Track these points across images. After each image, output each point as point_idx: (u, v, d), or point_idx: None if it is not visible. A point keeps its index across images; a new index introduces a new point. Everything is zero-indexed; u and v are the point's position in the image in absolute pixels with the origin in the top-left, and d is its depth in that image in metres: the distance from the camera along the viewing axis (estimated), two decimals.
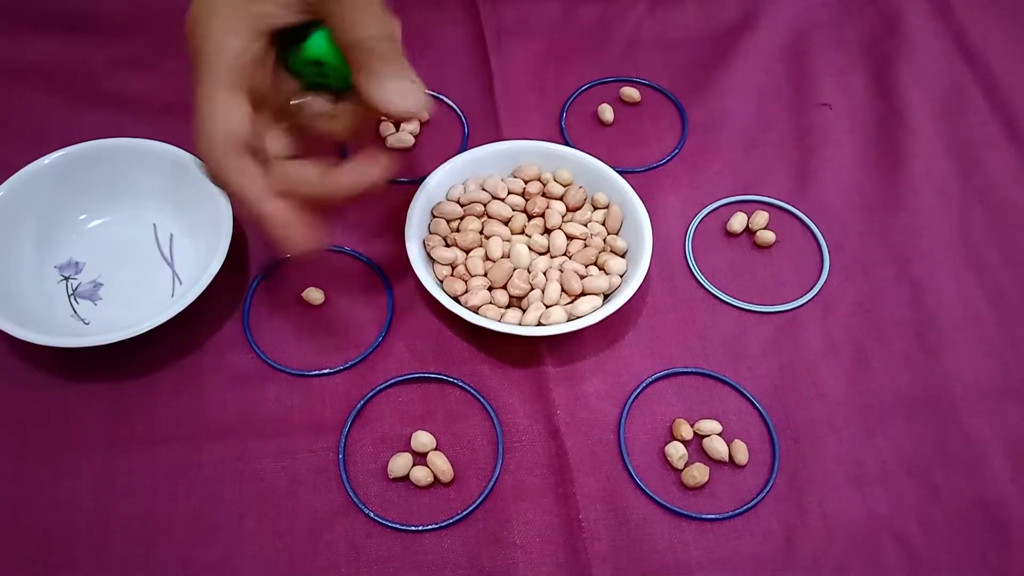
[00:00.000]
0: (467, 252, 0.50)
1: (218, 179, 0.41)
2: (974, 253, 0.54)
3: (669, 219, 0.55)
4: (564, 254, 0.51)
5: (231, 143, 0.40)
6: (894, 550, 0.44)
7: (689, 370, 0.49)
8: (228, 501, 0.45)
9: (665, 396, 0.49)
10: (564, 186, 0.53)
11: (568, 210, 0.52)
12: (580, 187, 0.52)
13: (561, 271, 0.49)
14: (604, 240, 0.51)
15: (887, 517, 0.45)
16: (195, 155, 0.41)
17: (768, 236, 0.54)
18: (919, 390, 0.49)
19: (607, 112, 0.59)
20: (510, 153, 0.54)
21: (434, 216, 0.52)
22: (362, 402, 0.48)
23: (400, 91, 0.40)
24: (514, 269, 0.49)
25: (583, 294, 0.48)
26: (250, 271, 0.52)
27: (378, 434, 0.47)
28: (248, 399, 0.48)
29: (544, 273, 0.49)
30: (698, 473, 0.45)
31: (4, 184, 0.50)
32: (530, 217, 0.52)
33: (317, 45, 0.42)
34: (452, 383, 0.49)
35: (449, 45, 0.63)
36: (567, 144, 0.57)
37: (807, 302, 0.52)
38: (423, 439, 0.46)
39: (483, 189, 0.52)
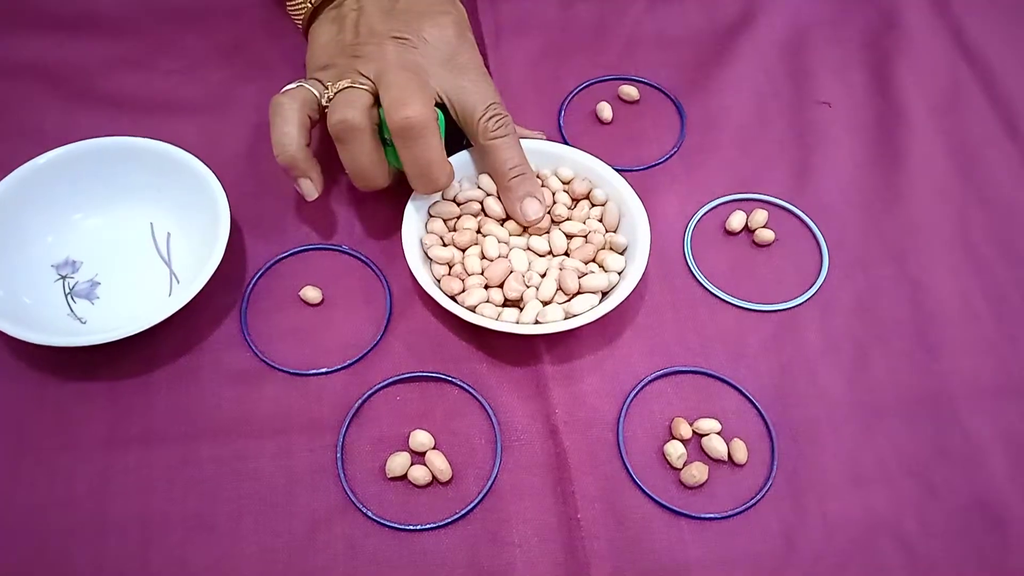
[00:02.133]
0: (464, 251, 0.50)
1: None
2: (973, 251, 0.54)
3: (668, 217, 0.55)
4: (564, 253, 0.50)
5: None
6: (893, 549, 0.44)
7: (688, 369, 0.49)
8: (226, 500, 0.45)
9: (664, 395, 0.49)
10: (565, 183, 0.53)
11: (573, 199, 0.52)
12: (583, 178, 0.52)
13: (561, 268, 0.49)
14: (604, 236, 0.51)
15: (886, 516, 0.45)
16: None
17: (767, 234, 0.54)
18: (918, 389, 0.49)
19: (606, 110, 0.59)
20: None
21: (431, 215, 0.52)
22: (360, 401, 0.48)
23: (532, 209, 0.50)
24: (510, 271, 0.49)
25: (580, 292, 0.48)
26: (247, 270, 0.52)
27: (376, 433, 0.47)
28: (246, 398, 0.48)
29: (542, 274, 0.49)
30: (697, 472, 0.45)
31: (0, 183, 0.50)
32: None
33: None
34: (450, 382, 0.49)
35: None
36: (565, 143, 0.57)
37: (806, 301, 0.52)
38: (421, 438, 0.46)
39: (479, 187, 0.52)
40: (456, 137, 0.52)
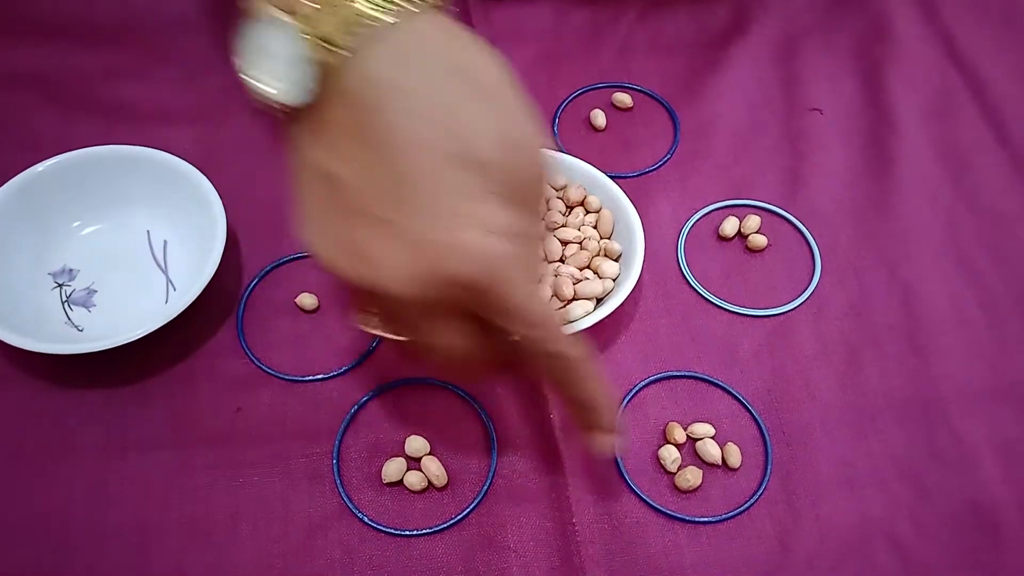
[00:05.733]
0: None
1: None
2: (964, 256, 0.54)
3: (661, 224, 0.55)
4: (560, 260, 0.51)
5: None
6: (887, 552, 0.44)
7: (682, 374, 0.50)
8: (222, 507, 0.45)
9: (658, 400, 0.49)
10: (558, 190, 0.53)
11: (567, 206, 0.53)
12: (578, 185, 0.53)
13: (556, 275, 0.49)
14: (599, 242, 0.51)
15: (879, 519, 0.45)
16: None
17: (760, 240, 0.54)
18: (910, 393, 0.49)
19: (599, 117, 0.60)
20: None
21: None
22: (356, 407, 0.48)
23: (605, 445, 0.41)
24: None
25: (575, 299, 0.49)
26: (244, 277, 0.52)
27: (372, 439, 0.47)
28: (242, 405, 0.48)
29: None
30: (691, 476, 0.45)
31: None
32: None
33: None
34: (445, 388, 0.49)
35: None
36: (560, 150, 0.57)
37: (799, 305, 0.52)
38: (417, 444, 0.46)
39: None
40: None
